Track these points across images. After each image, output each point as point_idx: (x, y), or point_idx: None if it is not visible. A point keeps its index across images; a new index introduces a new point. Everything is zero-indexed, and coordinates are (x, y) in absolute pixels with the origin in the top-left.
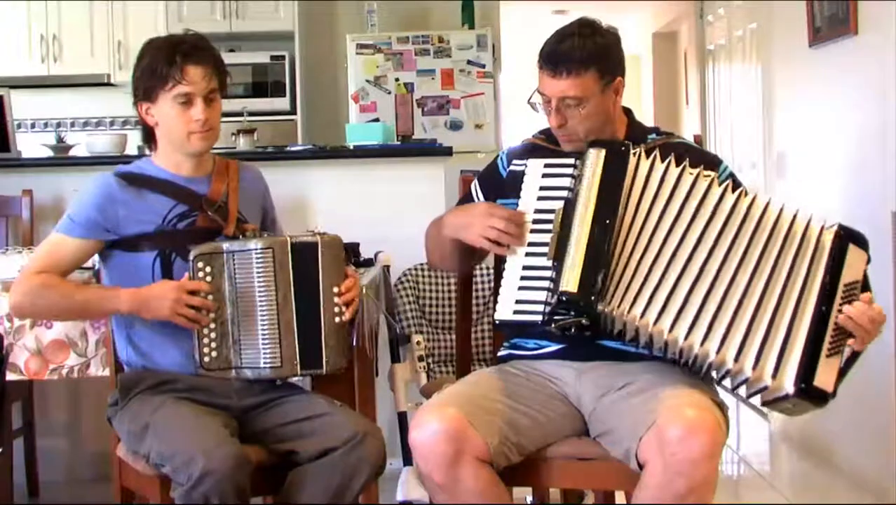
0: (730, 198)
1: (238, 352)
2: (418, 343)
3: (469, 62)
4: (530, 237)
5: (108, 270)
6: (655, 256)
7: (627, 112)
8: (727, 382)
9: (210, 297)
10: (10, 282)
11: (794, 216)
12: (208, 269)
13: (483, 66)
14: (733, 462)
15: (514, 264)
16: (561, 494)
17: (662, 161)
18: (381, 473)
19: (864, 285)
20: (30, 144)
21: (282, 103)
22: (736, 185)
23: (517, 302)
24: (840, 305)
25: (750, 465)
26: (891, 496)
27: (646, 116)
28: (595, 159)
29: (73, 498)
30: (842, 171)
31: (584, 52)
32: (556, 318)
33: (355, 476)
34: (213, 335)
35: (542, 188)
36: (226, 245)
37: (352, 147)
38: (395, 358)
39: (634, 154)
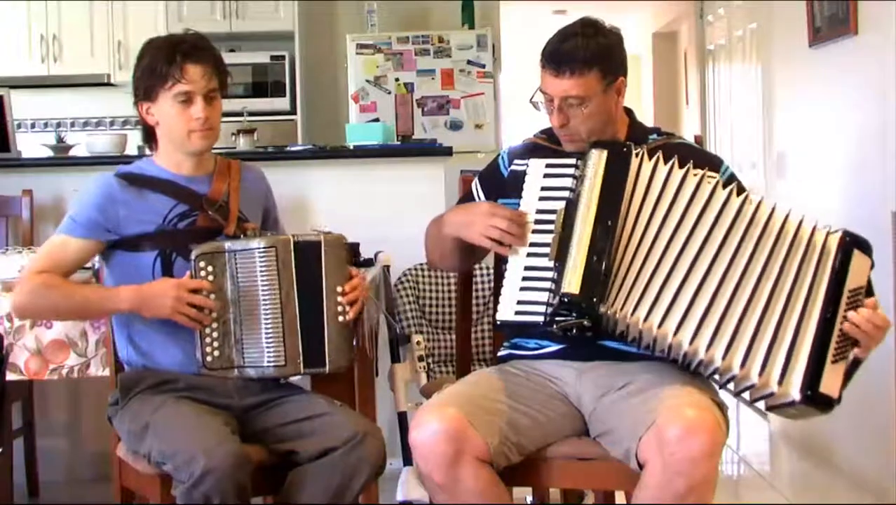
0: (735, 201)
1: (240, 351)
2: (418, 343)
3: (469, 62)
4: (532, 237)
5: (109, 269)
6: (659, 259)
7: (629, 112)
8: (731, 386)
9: (212, 296)
10: (10, 282)
11: (801, 221)
12: (210, 268)
13: (483, 66)
14: (733, 462)
15: (516, 265)
16: (561, 494)
17: (665, 163)
18: (381, 473)
19: (868, 291)
20: (30, 144)
21: (282, 103)
22: (737, 186)
23: (519, 303)
24: (845, 311)
25: (750, 465)
26: (891, 496)
27: (646, 116)
28: (597, 160)
29: (73, 498)
30: (842, 171)
31: (587, 51)
32: (557, 319)
33: (355, 476)
34: (215, 335)
35: (543, 188)
36: (227, 244)
37: (352, 147)
38: (395, 358)
39: (636, 155)
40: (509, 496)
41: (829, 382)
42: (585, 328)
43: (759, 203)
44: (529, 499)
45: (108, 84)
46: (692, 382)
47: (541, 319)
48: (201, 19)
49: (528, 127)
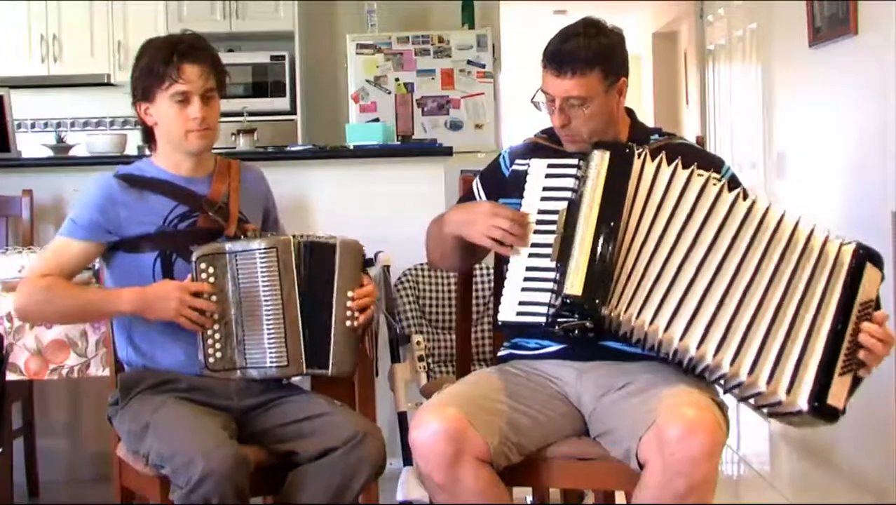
0: (742, 205)
1: (242, 352)
2: (418, 343)
3: (469, 62)
4: (533, 238)
5: (110, 271)
6: (665, 260)
7: (630, 113)
8: (736, 392)
9: (213, 298)
10: (10, 282)
11: (812, 230)
12: (211, 269)
13: (483, 66)
14: (733, 462)
15: (518, 265)
16: (561, 494)
17: (669, 164)
18: (381, 473)
19: (876, 304)
20: (30, 144)
21: (282, 103)
22: (737, 187)
23: (520, 303)
24: (855, 324)
25: (750, 465)
26: (891, 496)
27: (646, 116)
28: (599, 161)
29: (73, 498)
30: (842, 171)
31: (588, 51)
32: (559, 320)
33: (355, 476)
34: (217, 336)
35: (545, 188)
36: (228, 245)
37: (352, 147)
38: (395, 358)
39: (639, 155)
40: (509, 496)
41: (837, 394)
42: (587, 329)
43: (768, 208)
44: (529, 499)
45: (108, 84)
46: (692, 382)
47: (542, 319)
48: (201, 19)
49: (528, 127)
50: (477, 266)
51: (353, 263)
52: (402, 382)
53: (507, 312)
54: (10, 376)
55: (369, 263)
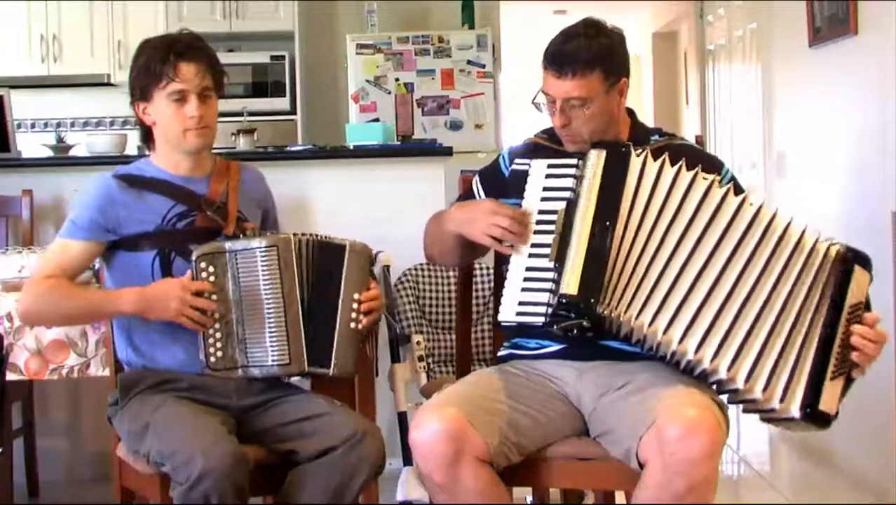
0: (748, 210)
1: (244, 351)
2: (418, 343)
3: (469, 62)
4: (533, 238)
5: (109, 270)
6: (666, 263)
7: (630, 113)
8: (731, 395)
9: (213, 297)
10: (10, 282)
11: (817, 239)
12: (211, 268)
13: (483, 66)
14: (733, 462)
15: (518, 265)
16: (561, 494)
17: (672, 165)
18: (380, 473)
19: (867, 305)
20: (30, 144)
21: (282, 103)
22: (737, 189)
23: (520, 304)
24: (845, 327)
25: (750, 465)
26: (891, 496)
27: (646, 116)
28: (596, 160)
29: (73, 498)
30: (842, 171)
31: (589, 52)
32: (557, 319)
33: (355, 476)
34: (218, 335)
35: (545, 188)
36: (228, 244)
37: (352, 147)
38: (395, 358)
39: (638, 155)
40: (509, 496)
41: (828, 399)
42: (585, 329)
43: (774, 214)
44: (529, 499)
45: (108, 84)
46: (692, 381)
47: (541, 319)
48: (201, 19)
49: (528, 127)
50: (477, 266)
51: (362, 265)
52: (402, 382)
53: (507, 312)
54: (10, 376)
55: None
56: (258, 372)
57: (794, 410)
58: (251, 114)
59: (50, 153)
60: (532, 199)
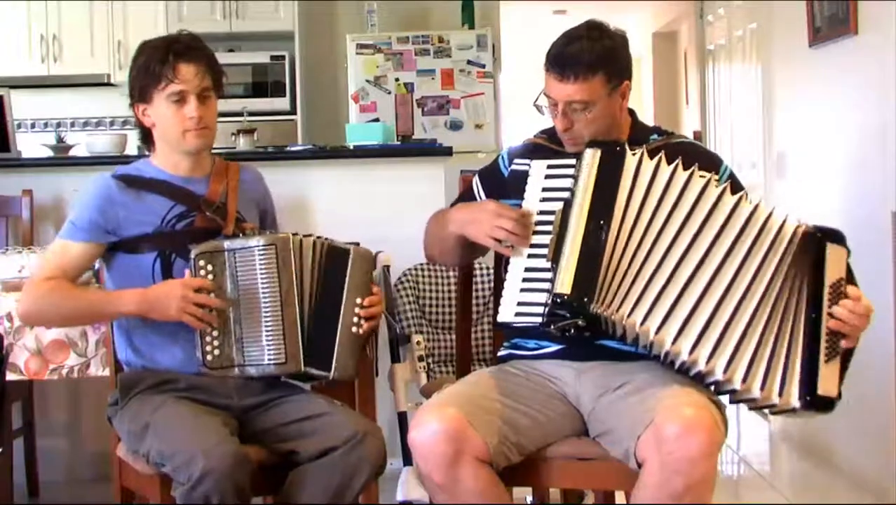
0: (744, 209)
1: (241, 350)
2: (418, 343)
3: (469, 62)
4: (533, 238)
5: (109, 272)
6: (660, 261)
7: (631, 113)
8: (729, 395)
9: (212, 295)
10: (10, 282)
11: (785, 220)
12: (210, 267)
13: (483, 66)
14: (733, 462)
15: (517, 266)
16: (561, 494)
17: (669, 163)
18: (381, 473)
19: (849, 279)
20: (30, 144)
21: (282, 103)
22: (736, 186)
23: (519, 304)
24: (829, 307)
25: (750, 465)
26: (891, 496)
27: (646, 116)
28: (590, 160)
29: (73, 498)
30: (842, 171)
31: (591, 55)
32: (554, 319)
33: (355, 476)
34: (215, 333)
35: (545, 189)
36: (226, 243)
37: (352, 147)
38: (395, 358)
39: (634, 154)
40: (509, 496)
41: (827, 383)
42: (582, 328)
43: (770, 214)
44: (529, 499)
45: (108, 84)
46: (690, 381)
47: (539, 319)
48: (201, 19)
49: (528, 127)
50: (477, 266)
51: (365, 271)
52: (402, 382)
53: (507, 312)
54: (10, 376)
55: None
56: (255, 371)
57: (795, 402)
58: (251, 114)
59: (50, 153)
60: (532, 199)
